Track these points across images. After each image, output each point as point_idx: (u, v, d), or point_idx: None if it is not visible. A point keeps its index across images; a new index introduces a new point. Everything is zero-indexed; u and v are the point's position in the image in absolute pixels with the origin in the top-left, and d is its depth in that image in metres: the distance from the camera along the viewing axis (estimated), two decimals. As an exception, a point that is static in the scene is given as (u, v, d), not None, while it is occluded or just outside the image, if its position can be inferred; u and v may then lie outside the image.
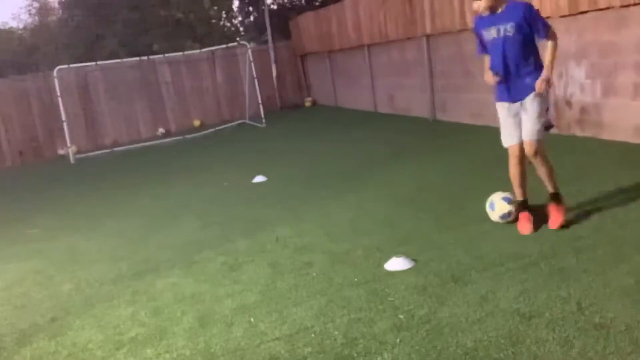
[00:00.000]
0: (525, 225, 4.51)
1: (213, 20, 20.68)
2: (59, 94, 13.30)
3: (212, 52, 16.43)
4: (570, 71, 7.49)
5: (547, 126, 4.56)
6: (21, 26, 25.36)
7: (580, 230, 4.33)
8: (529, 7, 4.34)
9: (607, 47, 6.88)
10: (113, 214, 7.48)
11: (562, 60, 7.58)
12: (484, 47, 4.63)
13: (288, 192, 7.27)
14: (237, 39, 20.47)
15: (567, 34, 7.42)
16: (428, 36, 10.63)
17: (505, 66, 4.39)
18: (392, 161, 7.98)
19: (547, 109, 4.53)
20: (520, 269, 3.83)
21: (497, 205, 4.74)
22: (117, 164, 12.32)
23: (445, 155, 7.89)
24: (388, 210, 5.76)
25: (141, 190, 8.80)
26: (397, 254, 4.31)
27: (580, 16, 7.10)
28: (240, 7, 21.93)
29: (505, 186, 5.80)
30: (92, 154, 13.83)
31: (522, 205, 4.66)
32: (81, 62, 15.18)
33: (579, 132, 7.52)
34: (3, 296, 4.94)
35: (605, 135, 7.09)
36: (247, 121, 15.42)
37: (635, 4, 6.33)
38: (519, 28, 4.28)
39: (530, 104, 4.40)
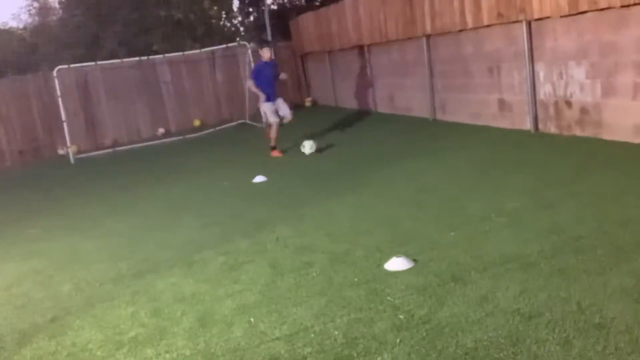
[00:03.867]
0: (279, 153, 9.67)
1: (213, 20, 20.66)
2: (59, 94, 13.30)
3: (212, 52, 16.41)
4: (570, 71, 7.49)
5: None
6: (21, 26, 25.35)
7: (580, 230, 4.33)
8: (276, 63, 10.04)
9: (607, 47, 6.88)
10: (113, 214, 7.48)
11: (562, 60, 7.59)
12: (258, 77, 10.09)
13: (288, 192, 7.27)
14: (237, 39, 20.46)
15: (567, 34, 7.43)
16: (428, 36, 10.62)
17: (273, 86, 10.30)
18: (392, 161, 7.98)
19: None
20: (520, 269, 3.83)
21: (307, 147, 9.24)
22: (117, 164, 12.32)
23: (445, 155, 7.89)
24: (388, 210, 5.76)
25: (141, 190, 8.80)
26: (397, 254, 4.31)
27: (580, 16, 7.09)
28: (240, 7, 21.92)
29: (505, 186, 5.82)
30: (92, 154, 13.84)
31: (275, 147, 9.87)
32: (81, 62, 15.16)
33: (579, 132, 7.52)
34: (3, 296, 4.94)
35: (605, 135, 7.09)
36: (247, 121, 15.42)
37: (635, 4, 6.32)
38: (275, 71, 10.25)
39: (281, 102, 10.16)
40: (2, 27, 25.22)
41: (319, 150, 9.31)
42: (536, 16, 7.74)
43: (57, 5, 23.08)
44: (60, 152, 14.69)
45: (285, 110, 9.98)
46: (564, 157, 6.70)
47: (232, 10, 21.93)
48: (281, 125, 10.04)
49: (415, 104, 11.71)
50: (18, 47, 23.34)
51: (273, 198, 7.05)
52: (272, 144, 9.85)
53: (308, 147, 9.29)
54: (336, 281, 4.15)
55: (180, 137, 14.38)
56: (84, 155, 13.79)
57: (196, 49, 16.86)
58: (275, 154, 9.78)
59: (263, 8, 18.52)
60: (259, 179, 8.08)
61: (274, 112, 9.86)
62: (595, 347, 2.82)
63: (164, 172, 10.16)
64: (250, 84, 9.98)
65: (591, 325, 3.01)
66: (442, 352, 3.01)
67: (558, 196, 5.23)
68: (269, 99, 9.89)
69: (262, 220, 6.01)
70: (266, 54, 9.84)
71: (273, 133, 9.81)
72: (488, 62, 9.16)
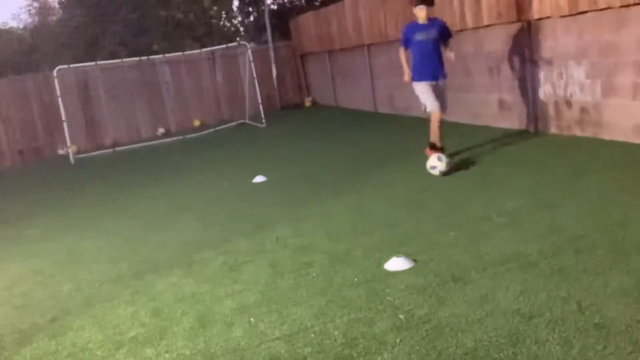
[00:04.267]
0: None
1: (213, 20, 20.69)
2: (59, 94, 13.29)
3: (212, 52, 16.42)
4: (570, 71, 7.48)
5: None
6: (21, 26, 25.37)
7: (580, 230, 4.33)
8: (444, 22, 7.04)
9: (607, 47, 6.88)
10: (113, 214, 7.48)
11: (562, 60, 7.58)
12: (409, 44, 7.21)
13: (288, 192, 7.27)
14: (237, 39, 20.47)
15: (567, 34, 7.42)
16: (428, 36, 10.61)
17: (430, 58, 7.05)
18: (392, 161, 7.98)
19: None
20: (520, 269, 3.83)
21: (438, 167, 6.63)
22: (117, 164, 12.32)
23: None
24: (388, 210, 5.76)
25: (141, 190, 8.80)
26: (397, 254, 4.31)
27: (580, 16, 7.09)
28: (240, 7, 21.93)
29: (505, 186, 5.81)
30: (92, 154, 13.83)
31: (437, 146, 7.19)
32: (81, 62, 15.17)
33: (579, 132, 7.51)
34: (3, 296, 4.94)
35: (605, 135, 7.09)
36: (247, 121, 15.42)
37: (635, 4, 6.32)
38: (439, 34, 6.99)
39: (442, 84, 7.11)
40: (2, 27, 25.24)
41: (450, 171, 6.63)
42: (536, 16, 7.74)
43: (57, 5, 23.12)
44: (60, 152, 14.70)
45: (443, 98, 7.12)
46: (564, 157, 6.70)
47: (232, 10, 21.95)
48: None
49: (416, 104, 11.68)
50: (18, 47, 23.35)
51: (273, 198, 7.05)
52: (433, 139, 7.21)
53: (440, 166, 6.62)
54: (336, 281, 4.15)
55: (180, 137, 14.38)
56: (84, 155, 13.78)
57: (196, 49, 16.87)
58: (430, 153, 7.03)
59: (263, 8, 18.52)
60: (259, 179, 8.09)
61: (431, 93, 6.97)
62: (595, 347, 2.82)
63: (164, 172, 10.16)
64: (401, 55, 7.21)
65: (591, 325, 3.01)
66: (442, 352, 3.01)
67: (558, 196, 5.23)
68: (419, 76, 7.03)
69: (262, 220, 6.01)
70: (421, 12, 6.93)
71: (434, 124, 7.08)
72: (488, 62, 9.16)
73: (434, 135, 7.14)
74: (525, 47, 8.08)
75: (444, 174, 6.55)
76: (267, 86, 16.82)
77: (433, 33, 6.88)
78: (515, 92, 8.58)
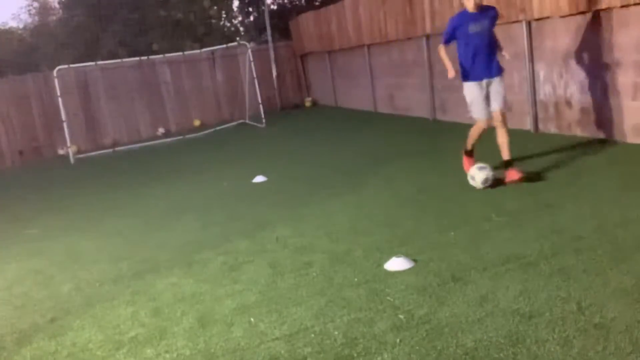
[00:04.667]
0: (470, 162, 6.05)
1: (213, 20, 20.67)
2: (59, 94, 13.30)
3: (212, 52, 16.42)
4: (570, 71, 7.48)
5: None
6: (21, 26, 25.37)
7: (580, 230, 4.33)
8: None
9: (607, 47, 6.88)
10: (113, 214, 7.48)
11: (562, 60, 7.58)
12: (452, 39, 6.04)
13: (288, 192, 7.27)
14: (237, 39, 20.46)
15: (567, 34, 7.42)
16: (428, 36, 10.62)
17: (482, 51, 5.95)
18: (392, 161, 7.98)
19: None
20: (520, 269, 3.83)
21: (476, 177, 5.76)
22: (117, 164, 12.32)
23: (445, 155, 7.87)
24: (388, 210, 5.76)
25: (141, 190, 8.80)
26: (397, 254, 4.31)
27: (580, 16, 7.09)
28: (240, 7, 21.93)
29: (505, 186, 5.81)
30: (92, 154, 13.84)
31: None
32: (81, 62, 15.18)
33: (579, 132, 7.51)
34: (3, 296, 4.94)
35: (605, 135, 7.09)
36: (247, 121, 15.42)
37: (635, 4, 6.32)
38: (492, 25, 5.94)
39: (499, 80, 5.95)
40: (2, 27, 25.23)
41: (492, 184, 5.81)
42: (536, 16, 7.74)
43: (57, 5, 23.11)
44: (60, 152, 14.70)
45: (498, 98, 5.93)
46: (564, 157, 6.70)
47: (232, 10, 21.94)
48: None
49: (415, 104, 11.71)
50: (18, 47, 23.35)
51: (273, 198, 7.05)
52: (468, 146, 6.38)
53: (480, 179, 5.78)
54: (336, 281, 4.15)
55: (180, 137, 14.38)
56: (84, 155, 13.79)
57: (196, 49, 16.87)
58: (467, 162, 6.33)
59: (263, 8, 18.52)
60: (259, 179, 8.09)
61: (482, 99, 5.93)
62: (595, 347, 2.82)
63: (164, 172, 10.16)
64: (440, 51, 6.11)
65: (591, 325, 3.01)
66: (442, 352, 3.01)
67: (558, 196, 5.23)
68: (472, 75, 5.94)
69: (262, 220, 6.01)
70: (469, 1, 5.81)
71: (475, 130, 6.20)
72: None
73: (470, 140, 6.28)
74: (525, 47, 8.07)
75: (484, 186, 5.76)
76: (267, 86, 16.83)
77: (486, 24, 5.84)
78: (515, 92, 8.58)
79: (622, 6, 6.46)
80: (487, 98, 5.90)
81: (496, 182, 5.79)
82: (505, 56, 6.06)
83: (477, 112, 6.01)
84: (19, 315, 4.45)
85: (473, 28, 5.80)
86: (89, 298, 4.59)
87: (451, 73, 5.92)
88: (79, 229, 6.93)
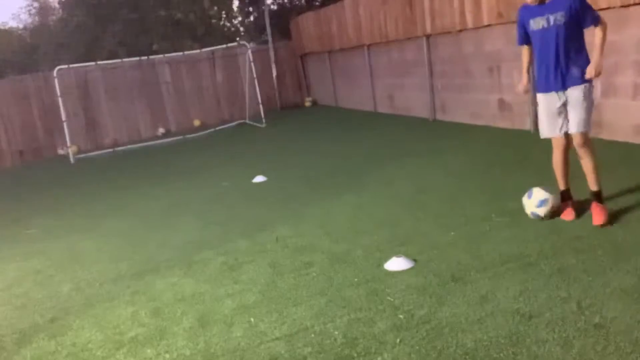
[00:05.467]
0: (569, 212, 4.61)
1: (213, 20, 20.67)
2: (59, 94, 13.30)
3: (212, 52, 16.43)
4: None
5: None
6: (21, 26, 25.38)
7: (580, 230, 4.33)
8: None
9: (607, 47, 6.85)
10: (113, 214, 7.48)
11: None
12: (527, 37, 4.67)
13: (288, 192, 7.27)
14: (237, 39, 20.47)
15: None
16: (428, 36, 10.63)
17: (556, 56, 4.44)
18: (392, 161, 7.98)
19: (592, 102, 4.56)
20: (520, 269, 3.83)
21: (535, 193, 4.69)
22: (117, 164, 12.32)
23: (445, 155, 7.88)
24: (388, 210, 5.76)
25: (141, 190, 8.80)
26: (397, 254, 4.31)
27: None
28: (240, 7, 21.93)
29: (505, 186, 5.81)
30: (92, 154, 13.84)
31: (564, 195, 4.75)
32: (81, 62, 15.18)
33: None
34: (3, 296, 4.94)
35: (605, 135, 7.09)
36: (247, 121, 15.43)
37: (635, 4, 6.33)
38: (568, 16, 4.32)
39: (577, 94, 4.43)
40: (2, 27, 25.24)
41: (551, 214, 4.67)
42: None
43: (57, 5, 23.12)
44: (60, 152, 14.71)
45: (577, 116, 4.45)
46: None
47: (232, 10, 21.95)
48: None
49: (415, 104, 11.71)
50: (18, 47, 23.35)
51: (273, 198, 7.05)
52: (559, 186, 4.76)
53: (541, 209, 4.65)
54: (336, 281, 4.15)
55: (180, 137, 14.38)
56: (84, 155, 13.79)
57: (196, 49, 16.87)
58: (565, 212, 4.64)
59: (263, 8, 18.53)
60: (259, 179, 8.09)
61: (553, 115, 4.57)
62: (595, 347, 2.82)
63: (164, 172, 10.16)
64: (522, 54, 4.85)
65: (591, 325, 3.01)
66: (442, 352, 3.01)
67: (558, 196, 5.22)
68: (542, 84, 4.61)
69: (262, 220, 6.01)
70: None
71: (555, 157, 4.71)
72: (488, 62, 9.16)
73: (557, 172, 4.74)
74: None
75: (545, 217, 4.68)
76: (267, 86, 16.84)
77: (558, 16, 4.33)
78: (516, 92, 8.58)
79: (622, 6, 6.46)
80: (563, 114, 4.54)
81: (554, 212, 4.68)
82: (591, 73, 4.38)
83: (542, 129, 4.70)
84: (19, 315, 4.45)
85: (534, 24, 4.49)
86: (89, 298, 4.59)
87: (520, 87, 4.89)
88: (79, 229, 6.93)
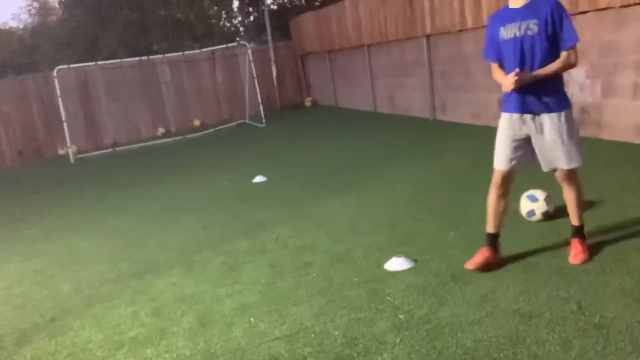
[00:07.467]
0: (479, 260, 3.88)
1: (213, 20, 20.70)
2: (59, 94, 13.31)
3: (212, 52, 16.44)
4: (570, 71, 7.47)
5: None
6: (21, 26, 25.39)
7: (580, 230, 4.32)
8: (557, 2, 3.60)
9: (607, 47, 6.88)
10: (113, 214, 7.48)
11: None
12: (499, 53, 3.82)
13: (288, 192, 7.27)
14: (237, 39, 20.47)
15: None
16: (428, 36, 10.63)
17: (530, 71, 3.62)
18: (392, 161, 7.98)
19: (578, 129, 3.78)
20: (520, 269, 3.83)
21: (522, 203, 4.66)
22: (117, 164, 12.32)
23: (445, 155, 7.88)
24: (388, 210, 5.75)
25: (141, 190, 8.80)
26: (397, 254, 4.31)
27: (580, 16, 7.09)
28: (240, 7, 21.94)
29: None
30: (92, 154, 13.84)
31: (490, 239, 3.94)
32: (81, 62, 15.19)
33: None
34: (3, 296, 4.94)
35: (605, 135, 7.09)
36: (247, 121, 15.43)
37: (635, 4, 6.33)
38: (543, 26, 3.55)
39: (554, 123, 3.62)
40: (2, 27, 25.24)
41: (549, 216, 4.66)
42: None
43: (57, 5, 23.13)
44: (60, 152, 14.71)
45: (564, 150, 3.69)
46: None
47: (232, 10, 21.96)
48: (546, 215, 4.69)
49: (415, 104, 11.71)
50: (18, 47, 23.35)
51: (273, 198, 7.05)
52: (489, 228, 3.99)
53: (532, 219, 4.63)
54: (336, 281, 4.14)
55: (180, 137, 14.38)
56: (84, 155, 13.79)
57: (196, 49, 16.89)
58: (475, 259, 3.93)
59: (263, 8, 18.53)
60: (259, 179, 8.09)
61: (510, 143, 3.83)
62: (595, 347, 2.82)
63: (164, 172, 10.16)
64: (493, 71, 4.02)
65: (591, 325, 3.01)
66: (442, 352, 3.01)
67: (558, 196, 5.22)
68: (505, 103, 3.86)
69: (262, 220, 6.01)
70: None
71: (491, 199, 3.91)
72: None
73: (489, 210, 3.95)
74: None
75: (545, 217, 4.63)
76: (267, 86, 16.84)
77: (531, 24, 3.59)
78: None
79: (622, 6, 6.47)
80: (523, 145, 3.79)
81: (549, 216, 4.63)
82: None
83: (495, 159, 3.91)
84: (19, 315, 4.45)
85: (505, 33, 3.74)
86: (89, 298, 4.59)
87: (506, 84, 3.69)
88: (79, 229, 6.93)
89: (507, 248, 4.20)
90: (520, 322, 3.16)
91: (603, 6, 6.67)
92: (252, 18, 22.06)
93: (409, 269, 4.12)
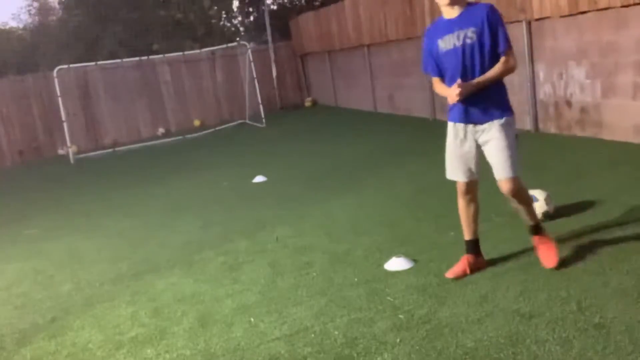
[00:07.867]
0: (460, 268, 3.83)
1: (213, 20, 20.66)
2: (59, 94, 13.30)
3: (212, 52, 16.43)
4: (570, 71, 7.49)
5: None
6: (21, 26, 25.36)
7: (580, 230, 4.32)
8: (491, 8, 3.63)
9: (607, 47, 6.88)
10: (113, 214, 7.48)
11: (562, 60, 7.59)
12: (436, 63, 3.77)
13: (288, 192, 7.27)
14: (237, 39, 20.46)
15: (567, 34, 7.42)
16: (428, 36, 10.62)
17: (464, 80, 3.59)
18: (392, 161, 7.98)
19: (517, 136, 3.70)
20: (520, 269, 3.83)
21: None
22: (117, 164, 12.32)
23: (445, 155, 7.87)
24: (388, 210, 5.75)
25: (141, 190, 8.80)
26: (397, 254, 4.31)
27: (580, 16, 7.09)
28: (240, 7, 21.93)
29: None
30: (92, 154, 13.84)
31: (470, 246, 3.93)
32: (81, 62, 15.18)
33: (579, 132, 7.52)
34: (3, 296, 4.94)
35: (605, 135, 7.09)
36: (247, 121, 15.42)
37: (635, 4, 6.32)
38: (479, 33, 3.56)
39: (494, 131, 3.63)
40: (2, 27, 25.22)
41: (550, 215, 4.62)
42: (536, 16, 7.74)
43: (57, 5, 23.10)
44: (60, 152, 14.71)
45: (500, 159, 3.71)
46: (564, 157, 6.70)
47: (232, 10, 21.94)
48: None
49: (415, 104, 11.71)
50: (18, 47, 23.33)
51: (273, 198, 7.05)
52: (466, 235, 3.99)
53: (539, 211, 4.41)
54: (336, 281, 4.15)
55: (180, 137, 14.38)
56: (84, 155, 13.79)
57: (196, 49, 16.87)
58: (456, 267, 3.89)
59: (263, 8, 18.53)
60: (259, 179, 8.09)
61: (458, 153, 3.99)
62: (595, 347, 2.82)
63: (163, 172, 10.16)
64: (434, 85, 4.00)
65: (591, 325, 3.01)
66: (442, 352, 3.01)
67: (557, 196, 5.22)
68: (450, 112, 3.92)
69: (262, 220, 6.01)
70: None
71: (461, 209, 4.00)
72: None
73: (462, 220, 4.00)
74: (525, 47, 8.08)
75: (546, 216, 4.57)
76: (267, 86, 16.83)
77: (469, 33, 3.60)
78: (515, 92, 8.58)
79: (622, 6, 6.46)
80: (473, 155, 3.86)
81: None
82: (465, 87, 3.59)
83: (446, 170, 4.11)
84: (19, 315, 4.45)
85: (443, 44, 3.70)
86: (89, 298, 4.59)
87: (451, 95, 3.65)
88: (79, 229, 6.93)
89: (507, 248, 4.20)
90: (520, 322, 3.16)
91: (603, 6, 6.66)
92: (252, 18, 22.06)
93: (409, 269, 4.12)
